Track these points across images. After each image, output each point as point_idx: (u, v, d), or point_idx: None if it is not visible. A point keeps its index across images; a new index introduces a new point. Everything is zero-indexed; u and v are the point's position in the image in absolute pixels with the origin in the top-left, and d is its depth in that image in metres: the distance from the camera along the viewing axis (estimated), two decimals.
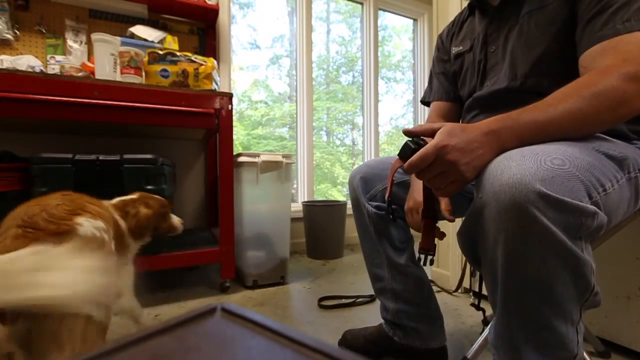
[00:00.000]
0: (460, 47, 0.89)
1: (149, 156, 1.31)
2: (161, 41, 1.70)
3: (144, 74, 1.42)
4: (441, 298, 1.26)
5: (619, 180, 0.53)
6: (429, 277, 0.96)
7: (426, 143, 0.54)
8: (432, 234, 0.70)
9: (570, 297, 0.47)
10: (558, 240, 0.44)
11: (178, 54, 1.46)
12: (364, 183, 0.89)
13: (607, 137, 0.59)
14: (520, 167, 0.46)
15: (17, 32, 1.61)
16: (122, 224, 0.86)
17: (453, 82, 0.94)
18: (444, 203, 0.72)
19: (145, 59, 1.42)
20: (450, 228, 1.54)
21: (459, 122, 0.96)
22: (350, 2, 2.74)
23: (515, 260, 0.48)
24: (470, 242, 0.57)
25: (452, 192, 0.55)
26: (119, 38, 1.45)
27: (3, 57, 1.46)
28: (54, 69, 1.54)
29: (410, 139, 0.57)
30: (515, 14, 0.75)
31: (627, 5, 0.58)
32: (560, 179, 0.45)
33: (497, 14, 0.79)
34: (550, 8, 0.68)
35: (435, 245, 0.71)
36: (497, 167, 0.49)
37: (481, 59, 0.82)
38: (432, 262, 0.72)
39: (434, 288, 1.14)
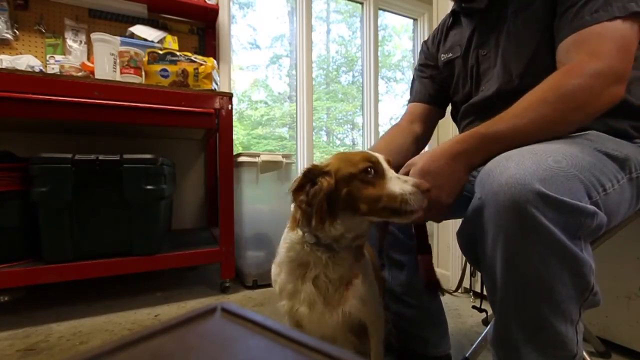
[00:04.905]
0: (450, 54, 0.86)
1: (148, 156, 1.31)
2: (161, 41, 1.70)
3: (143, 73, 1.42)
4: (441, 298, 1.25)
5: (619, 180, 0.53)
6: None
7: None
8: (431, 268, 0.71)
9: (570, 296, 0.47)
10: (557, 240, 0.44)
11: (178, 53, 1.46)
12: None
13: (609, 136, 0.59)
14: (519, 167, 0.46)
15: (17, 32, 1.61)
16: None
17: (438, 87, 0.92)
18: None
19: (145, 58, 1.42)
20: (450, 228, 1.54)
21: (435, 124, 0.96)
22: (350, 2, 2.74)
23: (514, 260, 0.48)
24: (470, 242, 0.57)
25: (437, 217, 0.61)
26: (118, 38, 1.45)
27: (2, 56, 1.46)
28: (53, 68, 1.54)
29: None
30: (502, 15, 0.74)
31: None
32: (559, 178, 0.44)
33: (485, 17, 0.77)
34: (535, 6, 0.68)
35: (438, 279, 0.73)
36: (496, 168, 0.48)
37: (473, 64, 0.79)
38: (443, 293, 0.78)
39: None
